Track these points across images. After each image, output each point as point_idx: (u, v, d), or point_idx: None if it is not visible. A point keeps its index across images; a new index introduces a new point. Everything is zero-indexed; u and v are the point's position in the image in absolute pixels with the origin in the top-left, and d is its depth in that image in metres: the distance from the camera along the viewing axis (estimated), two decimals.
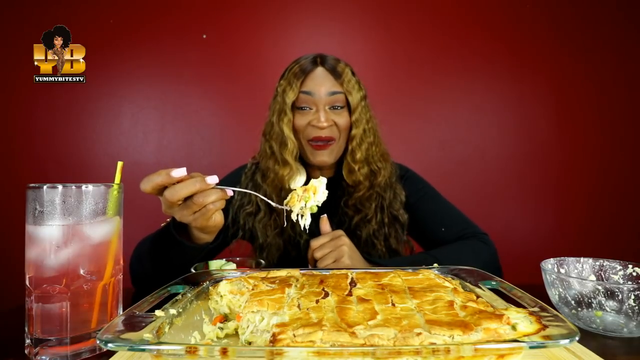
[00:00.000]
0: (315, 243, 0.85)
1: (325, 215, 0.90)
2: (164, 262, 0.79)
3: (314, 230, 0.96)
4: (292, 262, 1.02)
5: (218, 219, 0.70)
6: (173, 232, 0.74)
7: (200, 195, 0.63)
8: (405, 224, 1.05)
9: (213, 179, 0.64)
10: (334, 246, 0.83)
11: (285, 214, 0.69)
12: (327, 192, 0.67)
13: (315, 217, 1.00)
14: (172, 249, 0.76)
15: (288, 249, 1.03)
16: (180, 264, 0.77)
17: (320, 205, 0.67)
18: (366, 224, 1.01)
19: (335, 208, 1.04)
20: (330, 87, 0.96)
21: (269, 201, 0.71)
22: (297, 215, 0.68)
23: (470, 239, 0.97)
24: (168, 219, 0.78)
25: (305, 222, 0.67)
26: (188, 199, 0.64)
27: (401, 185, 1.06)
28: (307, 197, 0.66)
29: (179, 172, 0.62)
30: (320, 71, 0.98)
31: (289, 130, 0.97)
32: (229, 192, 0.67)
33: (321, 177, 0.68)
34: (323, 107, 0.95)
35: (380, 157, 1.03)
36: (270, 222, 1.02)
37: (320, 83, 0.96)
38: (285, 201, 0.68)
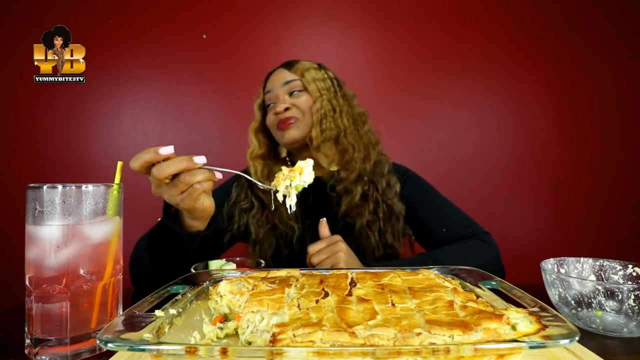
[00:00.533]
0: (312, 249, 0.85)
1: (324, 219, 0.90)
2: (161, 256, 0.79)
3: (313, 232, 0.96)
4: (284, 259, 1.03)
5: (207, 202, 0.70)
6: (164, 220, 0.74)
7: (187, 174, 0.64)
8: (401, 215, 1.04)
9: (201, 159, 0.64)
10: (330, 252, 0.83)
11: (272, 195, 0.69)
12: (313, 173, 0.68)
13: (314, 220, 1.00)
14: (167, 240, 0.76)
15: (280, 245, 1.04)
16: (176, 256, 0.77)
17: (306, 186, 0.68)
18: (355, 210, 1.00)
19: (325, 208, 1.04)
20: (285, 77, 1.04)
21: (255, 181, 0.71)
22: (283, 195, 0.68)
23: (471, 238, 0.97)
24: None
25: (291, 201, 0.67)
26: (175, 178, 0.65)
27: (397, 178, 1.07)
28: (292, 176, 0.67)
29: (167, 150, 0.63)
30: (278, 70, 1.07)
31: (252, 134, 1.08)
32: (218, 174, 0.67)
33: (308, 159, 0.68)
34: (282, 96, 1.03)
35: (358, 140, 1.04)
36: (262, 219, 1.03)
37: (277, 79, 1.05)
38: (273, 182, 0.69)
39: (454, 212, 1.05)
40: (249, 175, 1.03)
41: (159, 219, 0.78)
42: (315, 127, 1.01)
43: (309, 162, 0.68)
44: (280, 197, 0.68)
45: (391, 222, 1.03)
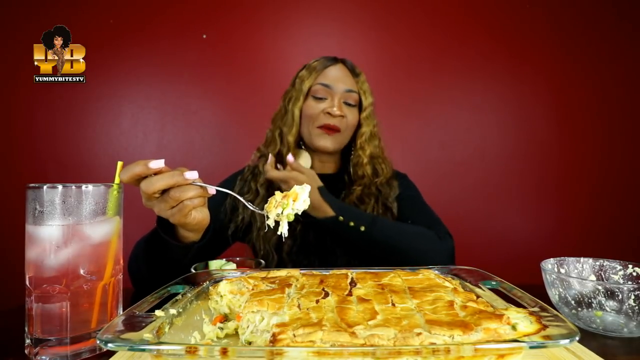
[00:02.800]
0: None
1: (290, 155, 0.95)
2: (157, 262, 0.78)
3: (315, 224, 0.97)
4: (287, 249, 1.03)
5: (199, 217, 0.67)
6: (158, 230, 0.73)
7: (177, 190, 0.61)
8: (396, 215, 1.08)
9: (192, 175, 0.62)
10: (291, 176, 0.89)
11: (265, 218, 0.65)
12: (308, 200, 0.64)
13: None
14: (162, 249, 0.75)
15: (282, 236, 1.04)
16: (172, 263, 0.75)
17: (300, 213, 0.64)
18: None
19: None
20: (348, 84, 1.04)
21: (248, 204, 0.67)
22: (275, 221, 0.64)
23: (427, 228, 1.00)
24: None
25: (282, 229, 0.63)
26: (165, 193, 0.62)
27: (397, 183, 1.12)
28: (285, 204, 0.62)
29: (157, 164, 0.60)
30: (340, 67, 1.06)
31: (298, 114, 1.03)
32: (211, 190, 0.65)
33: (305, 185, 0.65)
34: (339, 99, 1.02)
35: (383, 160, 1.12)
36: None
37: (339, 79, 1.04)
38: (265, 205, 0.64)
39: (425, 210, 1.09)
40: (240, 195, 1.03)
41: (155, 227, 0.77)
42: (354, 152, 1.08)
43: (306, 189, 0.64)
44: (271, 223, 0.64)
45: (387, 216, 1.07)
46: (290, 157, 0.93)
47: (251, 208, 0.67)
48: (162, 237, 0.72)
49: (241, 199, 0.68)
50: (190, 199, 0.62)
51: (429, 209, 1.10)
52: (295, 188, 0.64)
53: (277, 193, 0.64)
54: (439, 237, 0.98)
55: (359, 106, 1.07)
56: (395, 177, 1.14)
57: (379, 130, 1.13)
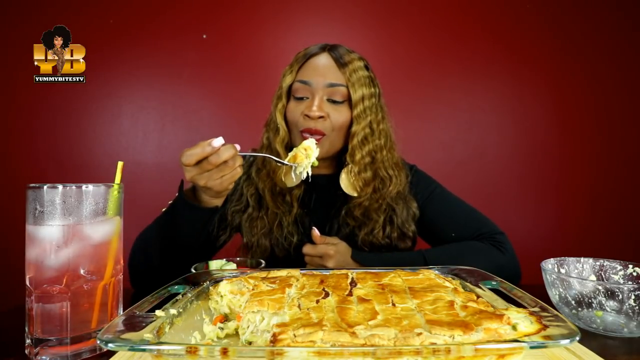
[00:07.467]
0: (307, 250, 0.89)
1: (316, 230, 0.89)
2: (173, 240, 0.80)
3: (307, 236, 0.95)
4: (280, 262, 0.97)
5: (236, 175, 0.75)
6: (183, 197, 0.78)
7: (233, 160, 0.71)
8: (415, 239, 0.99)
9: (218, 141, 0.71)
10: (321, 253, 0.87)
11: (292, 170, 0.80)
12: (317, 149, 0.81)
13: (315, 222, 0.99)
14: (182, 219, 0.79)
15: (275, 251, 0.96)
16: (191, 236, 0.80)
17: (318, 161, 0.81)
18: (371, 238, 0.93)
19: (336, 212, 0.97)
20: (330, 77, 0.89)
21: (277, 159, 0.81)
22: (301, 171, 0.79)
23: (480, 240, 0.91)
24: (170, 202, 0.82)
25: (307, 174, 0.80)
26: (222, 163, 0.71)
27: (411, 193, 0.99)
28: (309, 154, 0.79)
29: (218, 142, 0.71)
30: (323, 58, 0.91)
31: (280, 118, 0.93)
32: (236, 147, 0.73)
33: (311, 139, 0.82)
34: (320, 97, 0.88)
35: (392, 165, 0.95)
36: (257, 222, 0.95)
37: (320, 72, 0.89)
38: (287, 160, 0.81)
39: (464, 212, 0.97)
40: (254, 190, 1.00)
41: (170, 202, 0.81)
42: (351, 151, 0.90)
43: (313, 141, 0.81)
44: (303, 174, 0.79)
45: (403, 241, 0.98)
46: (315, 231, 0.88)
47: (281, 163, 0.81)
48: (187, 204, 0.77)
49: (271, 157, 0.82)
50: (240, 165, 0.73)
51: (464, 208, 0.97)
52: (306, 143, 0.81)
53: (297, 149, 0.80)
54: (497, 249, 0.88)
55: (350, 101, 0.90)
56: (409, 187, 0.99)
57: (389, 127, 0.97)
